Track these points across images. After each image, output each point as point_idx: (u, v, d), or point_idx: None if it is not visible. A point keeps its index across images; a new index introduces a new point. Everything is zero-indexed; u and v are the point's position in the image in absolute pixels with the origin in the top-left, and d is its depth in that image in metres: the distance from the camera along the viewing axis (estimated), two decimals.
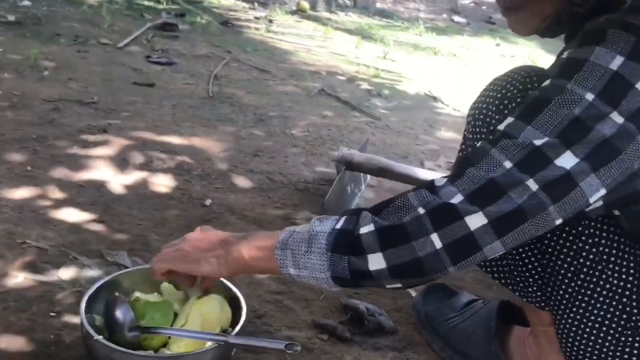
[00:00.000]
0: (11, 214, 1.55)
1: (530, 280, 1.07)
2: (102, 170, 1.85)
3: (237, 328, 1.03)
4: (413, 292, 1.45)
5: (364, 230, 0.87)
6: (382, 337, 1.30)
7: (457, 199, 0.83)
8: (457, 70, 4.03)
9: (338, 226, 0.90)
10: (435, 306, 1.33)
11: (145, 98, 2.51)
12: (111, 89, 2.55)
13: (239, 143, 2.22)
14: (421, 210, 0.85)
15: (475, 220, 0.82)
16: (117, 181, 1.80)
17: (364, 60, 3.82)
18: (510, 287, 1.12)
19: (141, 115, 2.32)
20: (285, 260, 0.93)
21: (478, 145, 0.90)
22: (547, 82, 0.88)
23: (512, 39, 5.45)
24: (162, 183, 1.83)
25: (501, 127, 0.87)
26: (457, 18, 6.15)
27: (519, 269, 1.07)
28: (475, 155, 0.86)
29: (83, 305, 1.03)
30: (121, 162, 1.93)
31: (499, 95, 1.03)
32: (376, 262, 0.86)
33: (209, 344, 1.02)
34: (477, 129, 1.05)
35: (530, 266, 1.06)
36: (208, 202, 1.75)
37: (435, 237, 0.83)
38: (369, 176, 2.03)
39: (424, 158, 2.36)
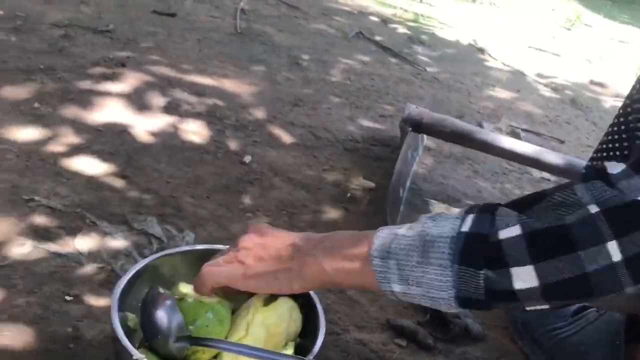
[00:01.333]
0: (16, 162, 1.28)
1: None
2: (121, 112, 1.58)
3: (317, 346, 0.78)
4: None
5: (505, 234, 0.63)
6: (469, 345, 1.07)
7: None
8: (498, 20, 3.71)
9: (465, 228, 0.66)
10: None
11: (167, 29, 2.21)
12: (127, 16, 2.24)
13: (275, 89, 1.93)
14: (594, 209, 0.61)
15: None
16: (140, 126, 1.53)
17: (399, 2, 3.49)
18: None
19: (162, 49, 2.03)
20: (388, 274, 0.69)
21: None
22: None
23: None
24: (193, 131, 1.56)
25: None
26: None
27: None
28: None
29: (115, 304, 0.77)
30: (143, 103, 1.65)
31: None
32: (524, 278, 0.62)
33: None
34: None
35: None
36: (247, 159, 1.49)
37: (613, 247, 0.60)
38: (425, 137, 1.76)
39: (481, 119, 2.09)
